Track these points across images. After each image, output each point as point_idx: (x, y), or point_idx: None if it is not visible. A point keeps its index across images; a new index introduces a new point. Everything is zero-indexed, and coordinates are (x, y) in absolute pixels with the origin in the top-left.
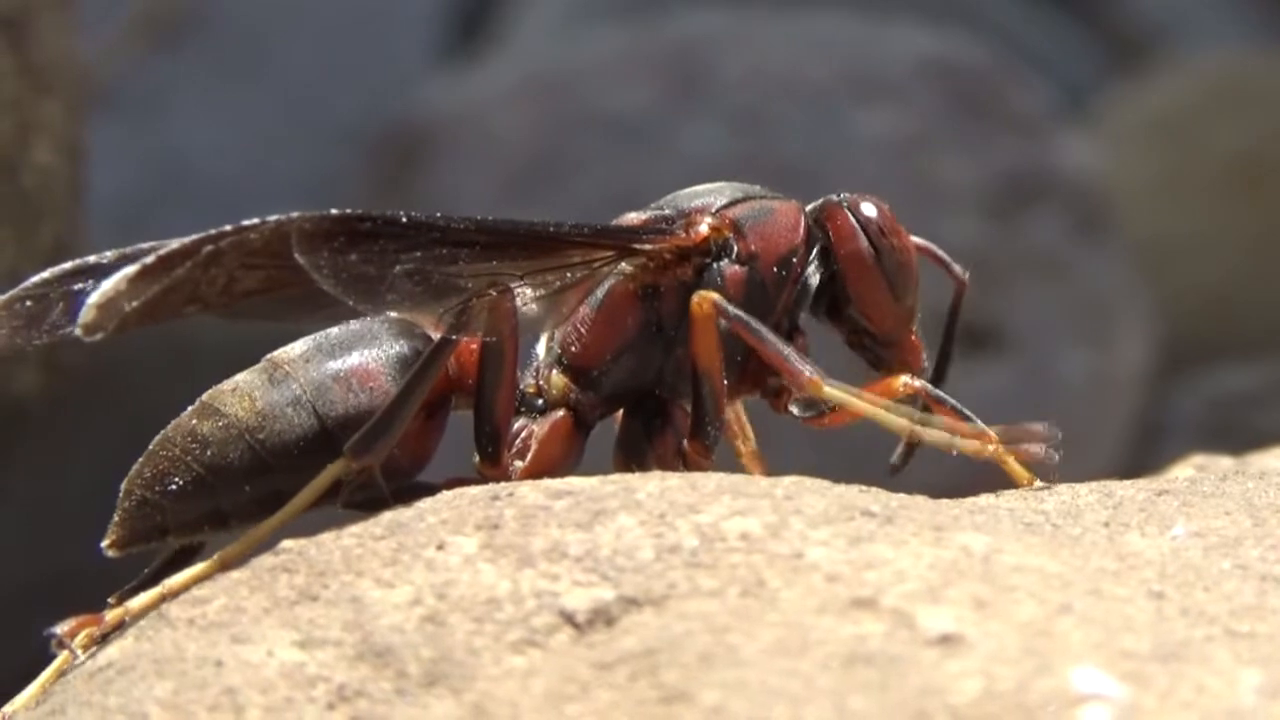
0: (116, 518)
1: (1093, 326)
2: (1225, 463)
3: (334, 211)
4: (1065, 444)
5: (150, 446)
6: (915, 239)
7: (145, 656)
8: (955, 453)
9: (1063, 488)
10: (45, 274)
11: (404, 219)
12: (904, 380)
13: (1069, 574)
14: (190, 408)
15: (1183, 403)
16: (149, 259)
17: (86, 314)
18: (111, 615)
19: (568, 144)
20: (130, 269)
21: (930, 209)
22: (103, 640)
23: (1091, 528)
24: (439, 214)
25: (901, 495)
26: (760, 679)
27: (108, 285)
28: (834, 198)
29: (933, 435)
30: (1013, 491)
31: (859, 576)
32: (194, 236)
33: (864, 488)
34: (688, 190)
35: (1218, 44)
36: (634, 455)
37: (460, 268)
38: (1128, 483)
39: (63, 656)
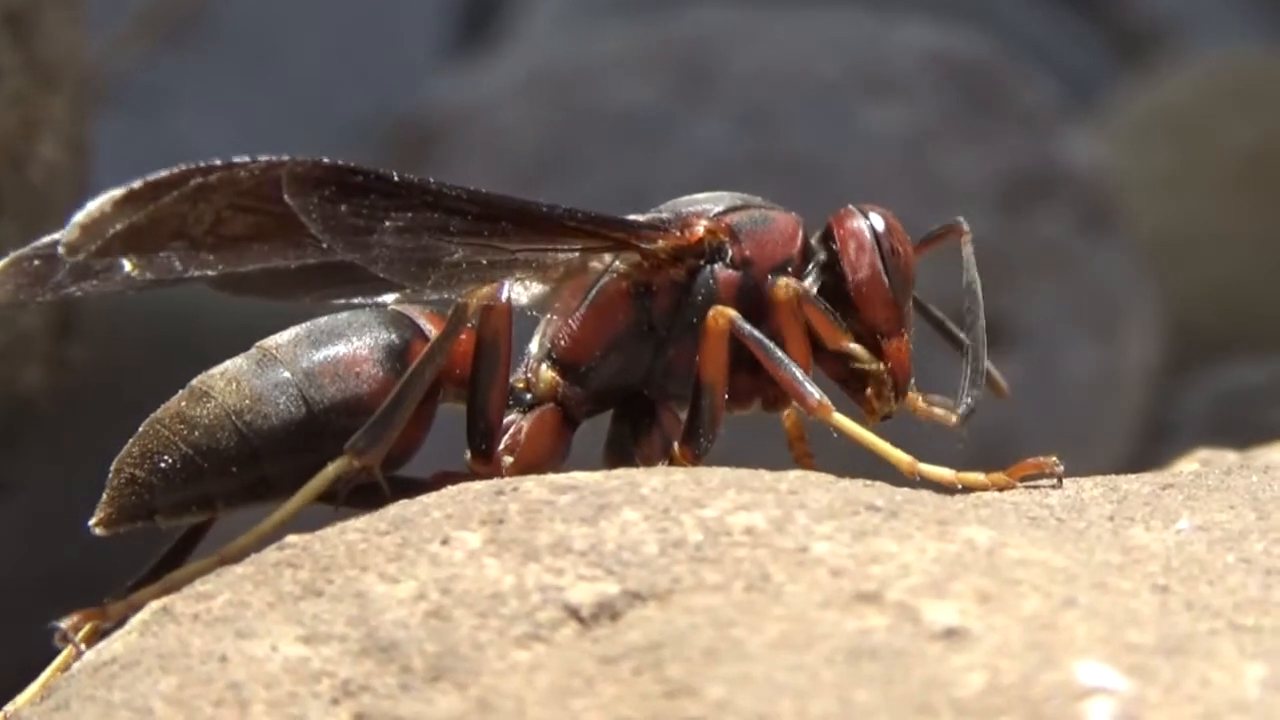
0: (105, 496)
1: (1100, 322)
2: (1230, 457)
3: (326, 160)
4: (1071, 441)
5: (141, 428)
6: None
7: (150, 651)
8: (960, 487)
9: (1068, 482)
10: (56, 235)
11: (396, 178)
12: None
13: (1073, 568)
14: (180, 391)
15: (1190, 398)
16: (136, 184)
17: (70, 233)
18: (114, 609)
19: (576, 140)
20: (116, 191)
21: (938, 204)
22: (106, 635)
23: (1096, 522)
24: (432, 179)
25: (906, 489)
26: (765, 673)
27: (92, 206)
28: (843, 210)
29: (934, 472)
30: (1017, 486)
31: (864, 571)
32: (183, 167)
33: (868, 482)
34: (690, 197)
35: (1226, 40)
36: (621, 456)
37: (451, 235)
38: (1132, 477)
39: (66, 651)
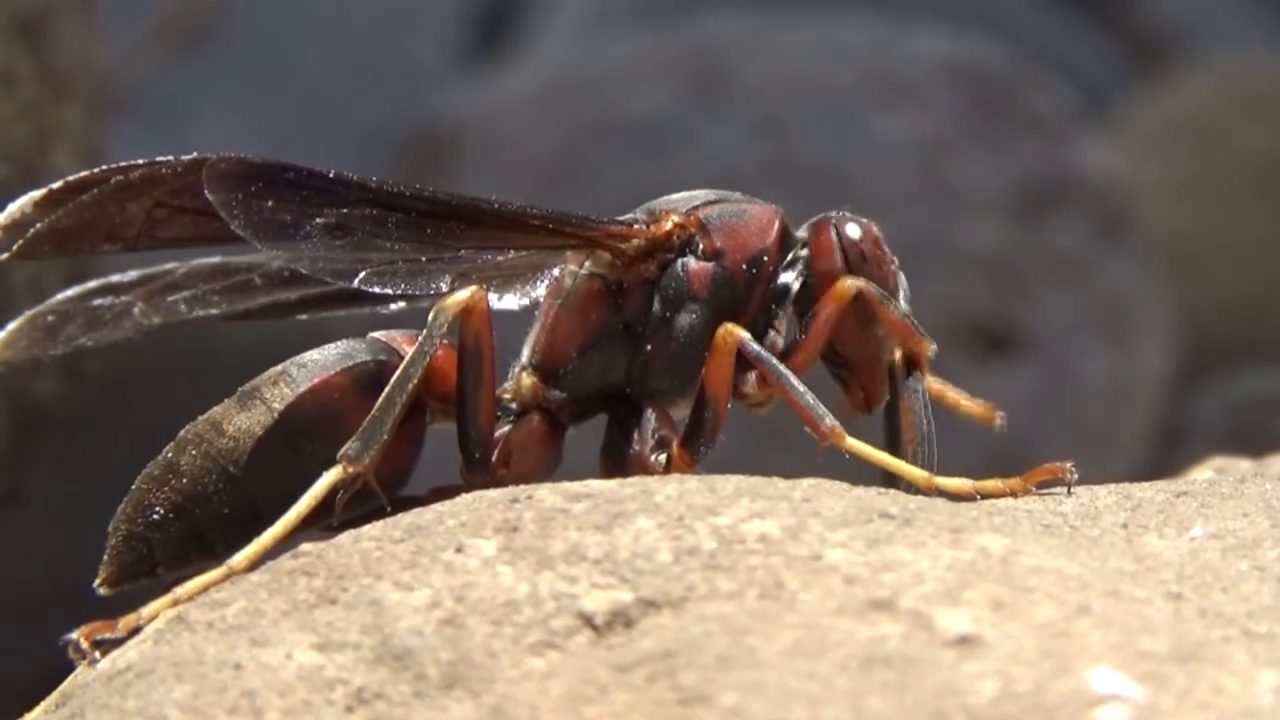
0: (105, 556)
1: (1114, 329)
2: (1244, 465)
3: (250, 157)
4: (1085, 448)
5: (133, 486)
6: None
7: (164, 660)
8: (979, 497)
9: (1081, 490)
10: (70, 291)
11: (331, 174)
12: (850, 281)
13: (1087, 575)
14: (169, 444)
15: (1204, 406)
16: (55, 184)
17: None
18: (126, 620)
19: (590, 149)
20: (36, 192)
21: (951, 213)
22: (120, 645)
23: (1110, 529)
24: (374, 178)
25: (919, 497)
26: (779, 680)
27: (13, 206)
28: (831, 214)
29: (952, 484)
30: (1033, 492)
31: (877, 578)
32: (104, 166)
33: (882, 490)
34: (666, 197)
35: (1239, 47)
36: (615, 461)
37: (390, 230)
38: (1146, 485)
39: (82, 665)
